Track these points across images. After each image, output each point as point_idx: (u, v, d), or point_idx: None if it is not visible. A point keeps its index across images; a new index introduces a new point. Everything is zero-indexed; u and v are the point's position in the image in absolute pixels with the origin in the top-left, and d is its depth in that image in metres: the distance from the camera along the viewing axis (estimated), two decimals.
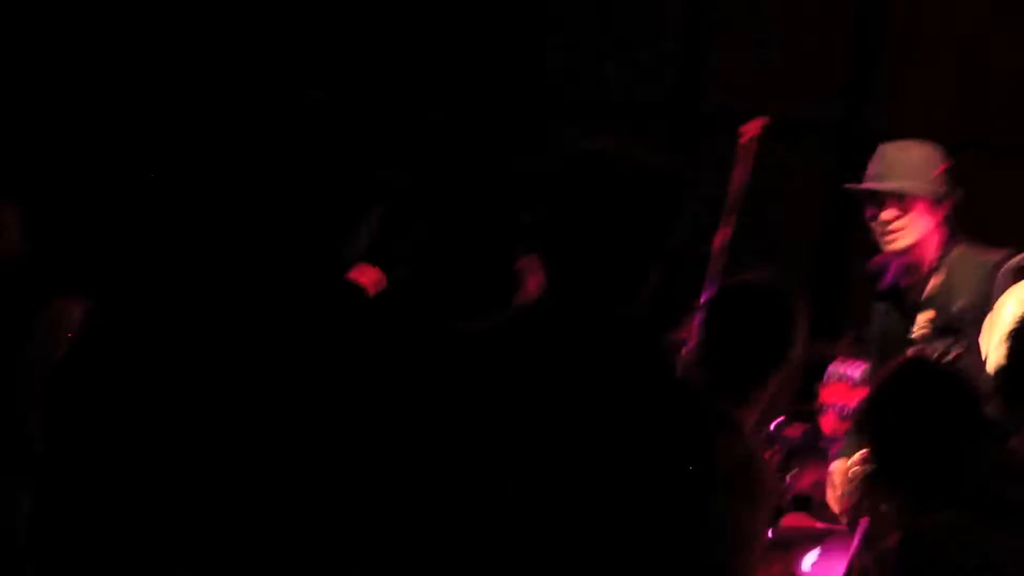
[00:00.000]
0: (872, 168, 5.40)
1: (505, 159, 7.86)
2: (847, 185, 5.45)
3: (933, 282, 5.35)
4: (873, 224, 5.37)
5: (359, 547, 3.18)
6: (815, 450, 5.73)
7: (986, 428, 3.61)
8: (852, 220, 5.67)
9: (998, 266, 5.14)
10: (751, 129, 6.38)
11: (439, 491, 3.07)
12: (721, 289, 4.26)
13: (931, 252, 5.36)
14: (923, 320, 5.31)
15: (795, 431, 5.60)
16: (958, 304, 5.28)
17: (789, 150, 7.75)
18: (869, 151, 5.47)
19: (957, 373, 3.76)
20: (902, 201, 5.31)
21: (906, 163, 5.35)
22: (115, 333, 3.23)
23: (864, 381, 5.56)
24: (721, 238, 6.23)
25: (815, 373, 5.62)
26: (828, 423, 5.85)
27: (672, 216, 3.15)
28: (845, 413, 5.71)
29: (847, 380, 5.77)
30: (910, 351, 5.24)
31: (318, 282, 3.25)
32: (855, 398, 5.50)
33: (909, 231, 5.32)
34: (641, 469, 3.03)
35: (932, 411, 3.60)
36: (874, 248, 5.51)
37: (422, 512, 3.07)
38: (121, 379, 3.15)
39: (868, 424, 3.71)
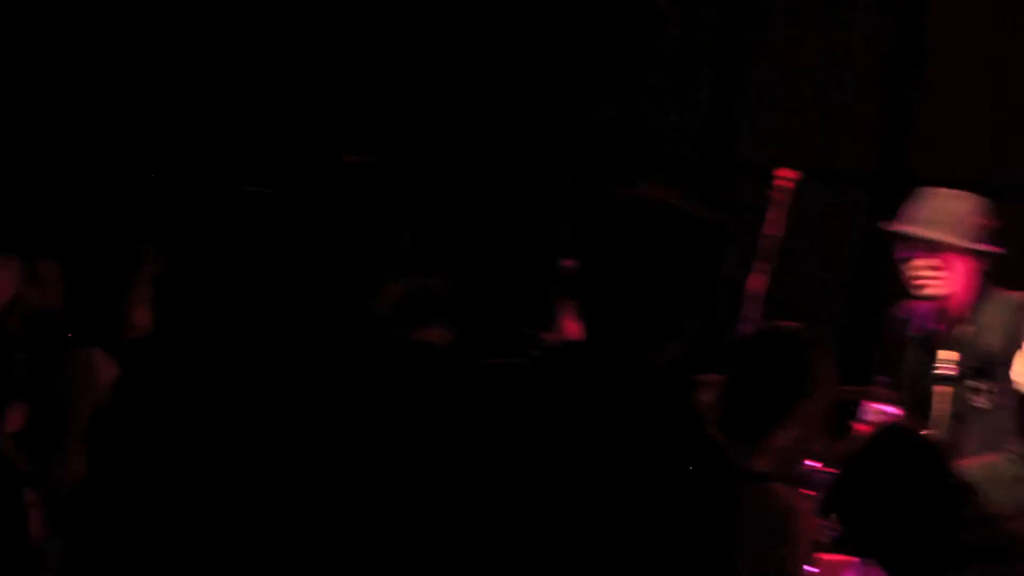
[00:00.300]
0: (912, 212, 5.40)
1: (537, 208, 7.92)
2: (884, 224, 5.45)
3: (966, 332, 5.35)
4: (904, 267, 5.39)
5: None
6: None
7: (961, 493, 3.55)
8: (887, 265, 5.69)
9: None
10: (784, 178, 6.41)
11: (464, 529, 3.10)
12: (745, 337, 4.28)
13: (963, 301, 5.37)
14: (945, 359, 5.32)
15: (834, 472, 5.60)
16: (988, 346, 5.30)
17: (823, 198, 7.77)
18: (904, 197, 5.48)
19: (926, 442, 3.69)
20: (938, 251, 5.32)
21: (947, 212, 5.35)
22: (159, 376, 3.25)
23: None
24: (756, 285, 6.25)
25: (851, 414, 5.63)
26: None
27: (714, 264, 3.17)
28: None
29: (882, 420, 5.76)
30: (937, 390, 5.26)
31: (356, 325, 3.27)
32: None
33: (942, 281, 5.33)
34: (663, 517, 3.04)
35: (904, 486, 3.53)
36: (908, 293, 5.52)
37: (448, 548, 3.10)
38: (170, 421, 3.17)
39: (840, 503, 3.64)
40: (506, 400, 3.15)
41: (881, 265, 6.36)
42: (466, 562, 3.10)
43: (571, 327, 5.18)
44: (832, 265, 7.66)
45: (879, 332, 5.82)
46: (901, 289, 5.55)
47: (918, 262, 5.35)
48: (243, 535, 3.12)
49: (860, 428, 5.59)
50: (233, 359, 3.23)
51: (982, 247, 5.34)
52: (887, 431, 3.80)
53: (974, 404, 5.31)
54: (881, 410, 5.56)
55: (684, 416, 3.14)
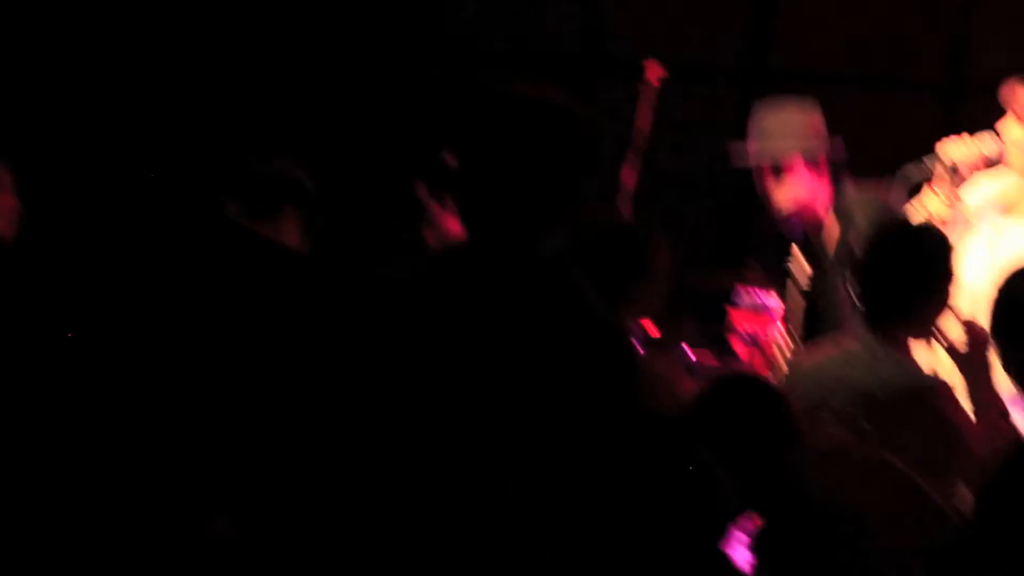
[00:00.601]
0: (751, 132, 5.59)
1: (412, 105, 7.92)
2: (734, 162, 5.63)
3: (833, 233, 5.56)
4: (759, 187, 5.59)
5: (295, 492, 3.23)
6: None
7: (793, 435, 3.72)
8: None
9: (887, 202, 5.38)
10: (652, 73, 6.49)
11: (382, 435, 3.15)
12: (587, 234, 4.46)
13: (823, 203, 5.57)
14: (800, 265, 5.54)
15: (712, 360, 5.76)
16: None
17: (692, 91, 7.87)
18: (772, 88, 5.61)
19: (764, 388, 3.86)
20: (779, 165, 5.49)
21: (777, 127, 5.56)
22: (19, 283, 3.23)
23: (769, 308, 5.80)
24: (627, 179, 6.36)
25: (725, 300, 5.80)
26: (738, 348, 6.00)
27: (591, 159, 3.25)
28: (750, 339, 5.87)
29: (753, 306, 5.92)
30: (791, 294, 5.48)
31: (241, 239, 3.28)
32: (760, 324, 5.72)
33: (792, 192, 5.54)
34: (570, 386, 3.14)
35: (747, 432, 3.69)
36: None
37: (366, 454, 3.15)
38: (33, 328, 3.16)
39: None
40: (411, 309, 3.20)
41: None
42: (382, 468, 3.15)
43: (450, 224, 5.25)
44: (702, 158, 7.78)
45: (749, 218, 5.98)
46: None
47: (766, 179, 5.54)
48: (106, 442, 3.13)
49: (735, 312, 5.78)
50: (91, 265, 3.22)
51: (815, 149, 5.52)
52: (729, 378, 3.98)
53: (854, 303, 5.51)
54: (753, 294, 5.75)
55: (579, 298, 3.24)
